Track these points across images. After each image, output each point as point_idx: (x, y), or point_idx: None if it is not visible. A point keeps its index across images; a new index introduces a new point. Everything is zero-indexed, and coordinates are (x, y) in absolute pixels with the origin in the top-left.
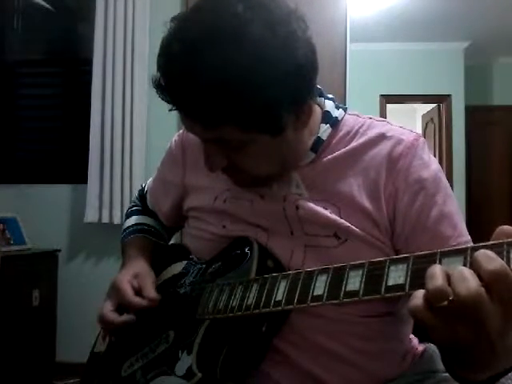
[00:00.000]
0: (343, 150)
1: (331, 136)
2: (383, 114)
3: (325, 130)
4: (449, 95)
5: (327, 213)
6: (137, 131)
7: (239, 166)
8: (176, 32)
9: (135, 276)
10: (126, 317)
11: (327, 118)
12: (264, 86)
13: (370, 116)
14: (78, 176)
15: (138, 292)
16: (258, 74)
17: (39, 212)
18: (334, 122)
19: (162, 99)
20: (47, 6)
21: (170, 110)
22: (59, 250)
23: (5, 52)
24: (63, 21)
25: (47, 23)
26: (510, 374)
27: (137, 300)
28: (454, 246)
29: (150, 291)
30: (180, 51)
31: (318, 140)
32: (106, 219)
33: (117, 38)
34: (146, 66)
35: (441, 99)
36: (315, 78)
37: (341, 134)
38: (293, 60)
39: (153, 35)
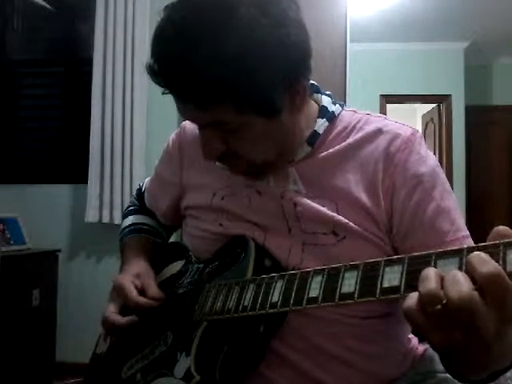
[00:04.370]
0: (340, 145)
1: (328, 131)
2: (383, 114)
3: (321, 124)
4: (449, 95)
5: (325, 209)
6: (137, 131)
7: (236, 151)
8: (168, 17)
9: (137, 276)
10: (129, 318)
11: (324, 112)
12: (255, 65)
13: (368, 112)
14: (79, 176)
15: (142, 291)
16: (249, 53)
17: (39, 212)
18: (331, 117)
19: (156, 83)
20: (47, 5)
21: (164, 94)
22: (59, 250)
23: (5, 52)
24: (63, 21)
25: (47, 23)
26: (510, 375)
27: (142, 299)
28: (452, 241)
29: (155, 290)
30: (171, 35)
31: (315, 133)
32: (106, 219)
33: (117, 38)
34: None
35: (441, 99)
36: (308, 58)
37: (337, 129)
38: (283, 39)
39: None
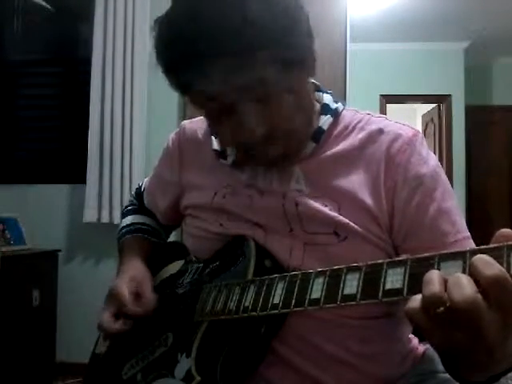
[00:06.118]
0: (344, 145)
1: (332, 127)
2: (383, 114)
3: (326, 120)
4: (449, 95)
5: (326, 209)
6: (136, 131)
7: (273, 127)
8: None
9: (132, 280)
10: (122, 324)
11: (326, 109)
12: (298, 17)
13: (368, 112)
14: (78, 176)
15: (137, 297)
16: (293, 8)
17: (39, 212)
18: (334, 113)
19: (181, 80)
20: (47, 6)
21: (186, 91)
22: (59, 250)
23: (5, 52)
24: (63, 21)
25: (47, 23)
26: (510, 375)
27: (134, 309)
28: (453, 242)
29: (149, 299)
30: (186, 9)
31: (319, 130)
32: (105, 219)
33: (116, 38)
34: (145, 66)
35: (441, 99)
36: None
37: (340, 127)
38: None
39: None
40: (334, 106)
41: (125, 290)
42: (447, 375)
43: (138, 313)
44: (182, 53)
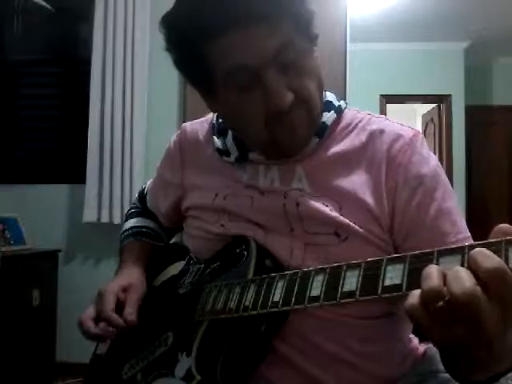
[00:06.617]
0: (345, 146)
1: (335, 123)
2: (383, 114)
3: (329, 116)
4: (449, 95)
5: (327, 210)
6: (136, 131)
7: (298, 92)
8: None
9: (124, 288)
10: (100, 330)
11: (329, 106)
12: None
13: (369, 112)
14: (79, 176)
15: (122, 305)
16: None
17: (39, 212)
18: (338, 109)
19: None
20: (47, 6)
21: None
22: (59, 250)
23: (5, 52)
24: (63, 21)
25: (47, 23)
26: (509, 375)
27: (114, 317)
28: (453, 242)
29: (131, 312)
30: None
31: (323, 125)
32: (105, 219)
33: (116, 38)
34: (145, 66)
35: (441, 99)
36: None
37: (342, 125)
38: None
39: (153, 35)
40: (337, 103)
41: (111, 295)
42: (448, 375)
43: (117, 323)
44: (216, 19)
